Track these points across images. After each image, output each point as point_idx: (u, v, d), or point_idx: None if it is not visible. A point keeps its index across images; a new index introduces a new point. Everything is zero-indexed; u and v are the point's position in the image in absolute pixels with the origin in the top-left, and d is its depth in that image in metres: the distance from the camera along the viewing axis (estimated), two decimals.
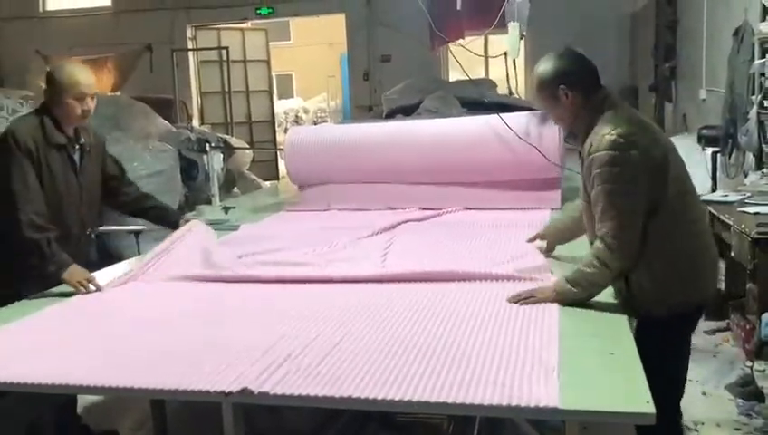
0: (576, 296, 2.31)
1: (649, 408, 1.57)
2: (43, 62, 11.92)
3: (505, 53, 5.04)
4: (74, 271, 2.76)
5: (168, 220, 3.40)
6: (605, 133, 2.23)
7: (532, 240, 3.08)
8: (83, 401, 3.37)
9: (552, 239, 3.01)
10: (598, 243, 2.27)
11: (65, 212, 2.96)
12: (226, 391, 1.76)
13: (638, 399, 1.61)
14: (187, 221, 3.39)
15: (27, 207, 2.76)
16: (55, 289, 2.78)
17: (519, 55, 4.78)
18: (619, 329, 2.08)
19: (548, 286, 2.44)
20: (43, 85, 3.05)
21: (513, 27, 4.41)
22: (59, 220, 2.91)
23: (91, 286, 2.76)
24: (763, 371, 3.28)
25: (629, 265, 2.26)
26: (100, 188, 3.17)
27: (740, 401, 3.52)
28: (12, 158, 2.80)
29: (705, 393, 3.63)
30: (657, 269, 2.27)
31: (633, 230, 2.22)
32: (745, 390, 3.55)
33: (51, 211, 2.87)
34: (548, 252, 2.99)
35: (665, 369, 2.20)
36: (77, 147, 3.01)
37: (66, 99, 2.89)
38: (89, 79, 2.98)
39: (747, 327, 3.91)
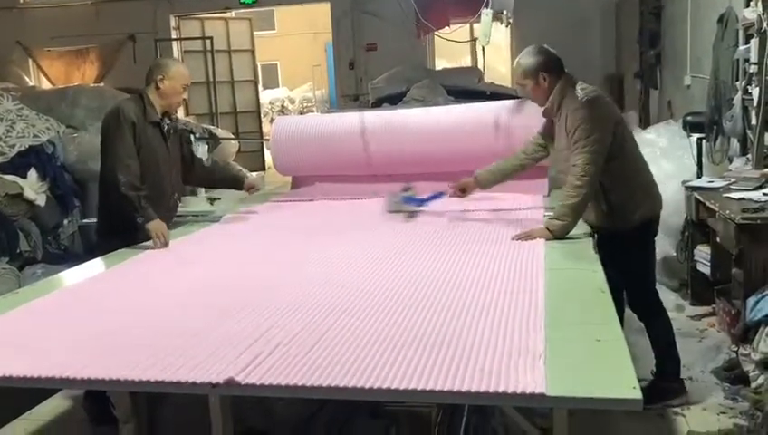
0: (566, 226, 3.02)
1: (636, 393, 1.57)
2: (23, 54, 11.80)
3: (475, 40, 5.03)
4: (157, 224, 3.31)
5: (237, 183, 4.05)
6: (580, 98, 3.06)
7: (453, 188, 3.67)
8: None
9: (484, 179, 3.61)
10: (571, 172, 3.03)
11: (163, 177, 3.54)
12: (213, 382, 1.75)
13: (624, 385, 1.61)
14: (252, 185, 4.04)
15: (126, 169, 3.31)
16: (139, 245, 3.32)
17: (489, 43, 4.76)
18: (606, 316, 2.09)
19: (540, 227, 3.09)
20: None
21: (486, 15, 4.40)
22: (157, 183, 3.49)
23: (164, 240, 3.29)
24: (749, 355, 3.31)
25: (593, 186, 3.04)
26: (180, 162, 3.73)
27: (726, 385, 3.55)
28: (119, 127, 3.37)
29: (692, 378, 3.66)
30: (626, 192, 3.19)
31: (597, 162, 3.01)
32: (731, 374, 3.58)
33: (151, 176, 3.43)
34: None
35: (642, 261, 3.35)
36: (166, 126, 3.57)
37: (177, 87, 3.49)
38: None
39: (732, 312, 3.94)
